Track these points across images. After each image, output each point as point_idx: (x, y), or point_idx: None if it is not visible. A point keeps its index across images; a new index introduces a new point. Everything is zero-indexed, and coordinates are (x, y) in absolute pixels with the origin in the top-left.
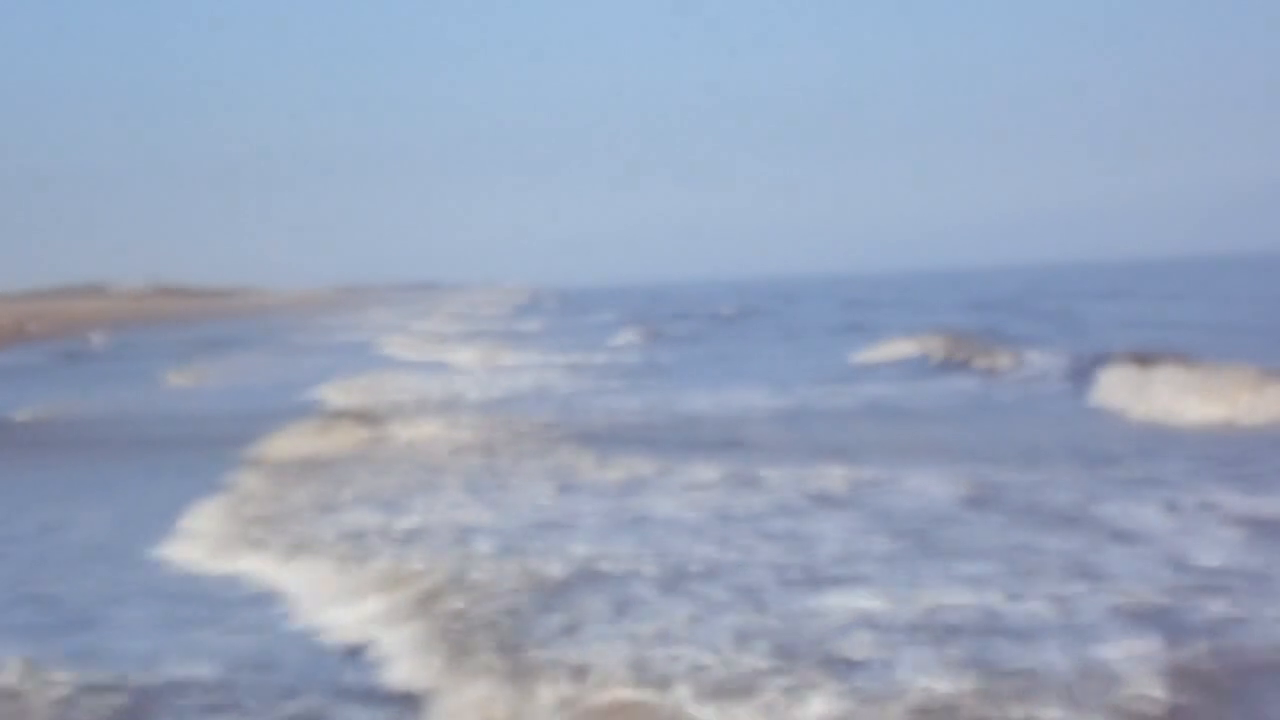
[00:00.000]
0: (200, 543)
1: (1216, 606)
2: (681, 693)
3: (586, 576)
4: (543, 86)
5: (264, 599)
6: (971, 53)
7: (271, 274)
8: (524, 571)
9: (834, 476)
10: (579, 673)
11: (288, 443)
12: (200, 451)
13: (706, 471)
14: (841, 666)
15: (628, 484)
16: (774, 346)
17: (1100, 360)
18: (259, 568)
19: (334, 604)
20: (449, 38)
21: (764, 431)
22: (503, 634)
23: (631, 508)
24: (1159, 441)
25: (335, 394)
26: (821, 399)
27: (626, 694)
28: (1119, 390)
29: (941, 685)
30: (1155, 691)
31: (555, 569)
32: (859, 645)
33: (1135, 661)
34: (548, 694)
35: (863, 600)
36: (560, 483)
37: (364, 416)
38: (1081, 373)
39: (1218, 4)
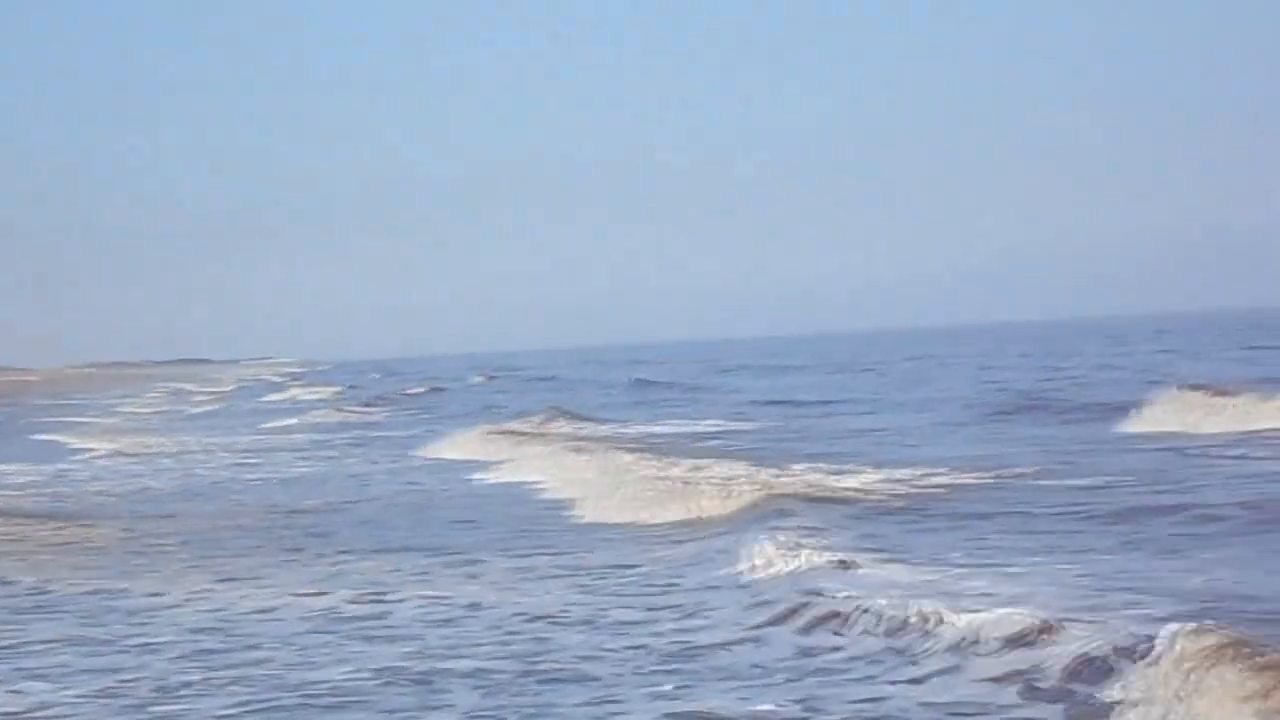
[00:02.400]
0: None
1: None
2: None
3: None
4: (350, 150)
5: None
6: (837, 113)
7: (36, 351)
8: None
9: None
10: None
11: None
12: None
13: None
14: None
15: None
16: (396, 431)
17: None
18: None
19: None
20: (259, 91)
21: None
22: None
23: None
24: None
25: None
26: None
27: None
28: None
29: None
30: None
31: None
32: None
33: None
34: None
35: None
36: None
37: None
38: None
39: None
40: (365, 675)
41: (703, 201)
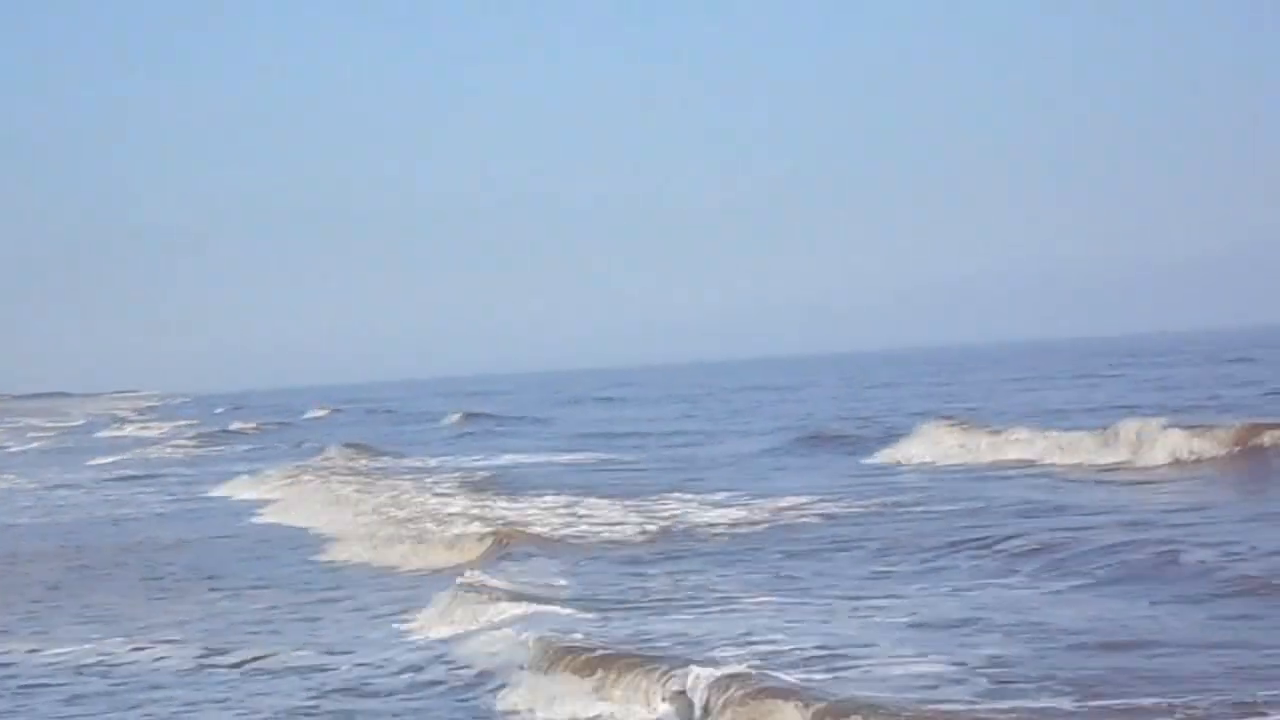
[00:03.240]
0: None
1: None
2: None
3: None
4: (236, 178)
5: None
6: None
7: None
8: None
9: None
10: None
11: None
12: None
13: None
14: None
15: None
16: (206, 469)
17: None
18: None
19: None
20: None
21: None
22: None
23: None
24: None
25: None
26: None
27: None
28: None
29: None
30: None
31: None
32: None
33: None
34: None
35: None
36: None
37: None
38: None
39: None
40: None
41: (671, 230)
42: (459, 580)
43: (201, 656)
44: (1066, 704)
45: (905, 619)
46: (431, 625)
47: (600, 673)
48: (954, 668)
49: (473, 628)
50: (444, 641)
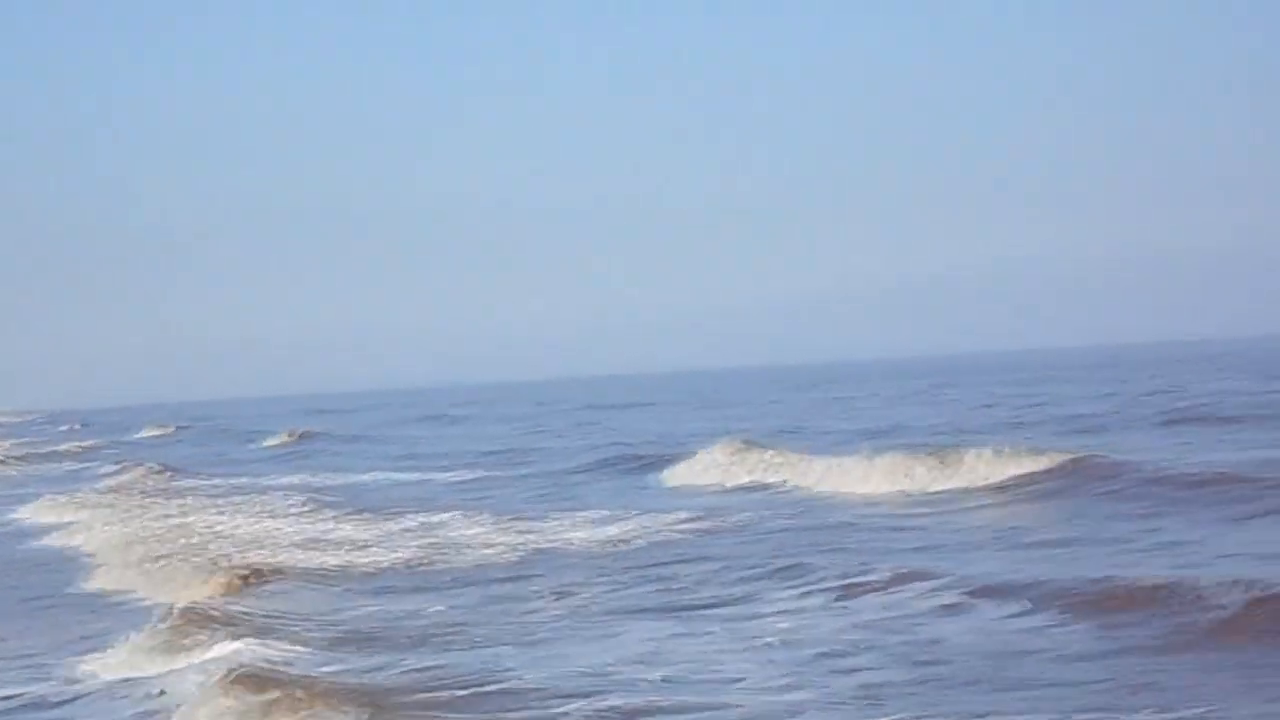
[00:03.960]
0: None
1: None
2: None
3: None
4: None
5: None
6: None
7: None
8: None
9: None
10: None
11: None
12: None
13: None
14: None
15: None
16: (14, 490)
17: None
18: None
19: None
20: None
21: None
22: None
23: None
24: None
25: None
26: None
27: None
28: None
29: None
30: None
31: None
32: None
33: None
34: None
35: None
36: None
37: None
38: None
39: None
40: None
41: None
42: (172, 614)
43: None
44: None
45: (769, 641)
46: (114, 664)
47: None
48: (821, 695)
49: (169, 667)
50: (118, 683)
